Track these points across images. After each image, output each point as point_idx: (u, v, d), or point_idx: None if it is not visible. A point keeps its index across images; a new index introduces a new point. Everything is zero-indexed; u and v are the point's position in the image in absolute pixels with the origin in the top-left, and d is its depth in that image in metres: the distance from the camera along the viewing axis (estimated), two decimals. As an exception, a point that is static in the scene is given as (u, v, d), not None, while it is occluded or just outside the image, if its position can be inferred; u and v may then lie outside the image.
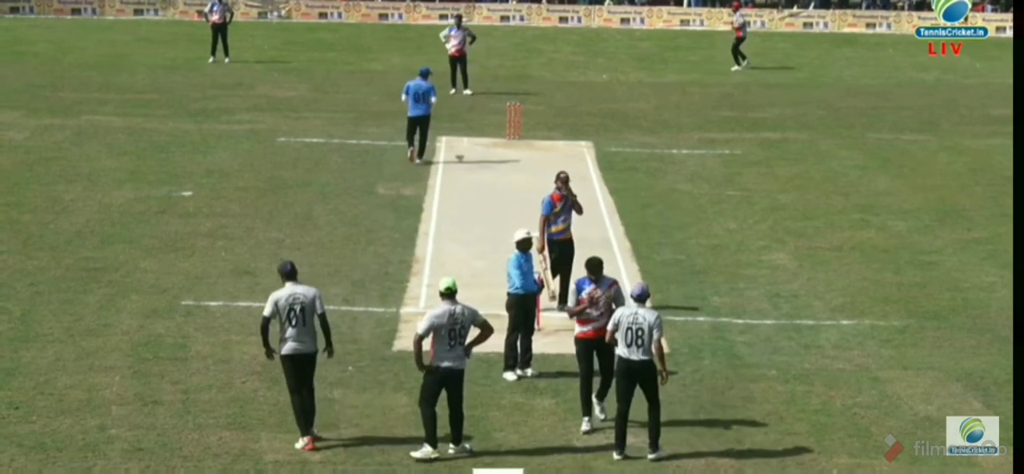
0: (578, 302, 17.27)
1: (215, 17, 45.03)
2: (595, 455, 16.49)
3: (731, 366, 19.38)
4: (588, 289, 17.23)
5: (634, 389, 16.41)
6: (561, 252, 21.40)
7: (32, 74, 41.96)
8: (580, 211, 21.80)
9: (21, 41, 49.04)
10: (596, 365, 17.41)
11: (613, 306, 17.02)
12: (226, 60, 44.69)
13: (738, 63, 46.53)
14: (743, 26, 46.63)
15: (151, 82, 41.12)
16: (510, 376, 18.74)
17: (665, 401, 18.08)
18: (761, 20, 57.62)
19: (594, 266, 17.37)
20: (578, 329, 17.33)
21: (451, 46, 40.18)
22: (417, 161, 31.23)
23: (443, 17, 56.44)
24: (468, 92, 39.82)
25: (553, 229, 21.40)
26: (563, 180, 21.71)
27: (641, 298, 16.52)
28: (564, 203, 21.51)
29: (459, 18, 42.63)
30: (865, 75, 46.06)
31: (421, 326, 16.39)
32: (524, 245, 19.07)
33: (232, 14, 46.13)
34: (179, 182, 28.95)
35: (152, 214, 26.51)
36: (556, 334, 20.32)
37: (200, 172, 29.88)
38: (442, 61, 47.04)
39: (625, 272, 23.61)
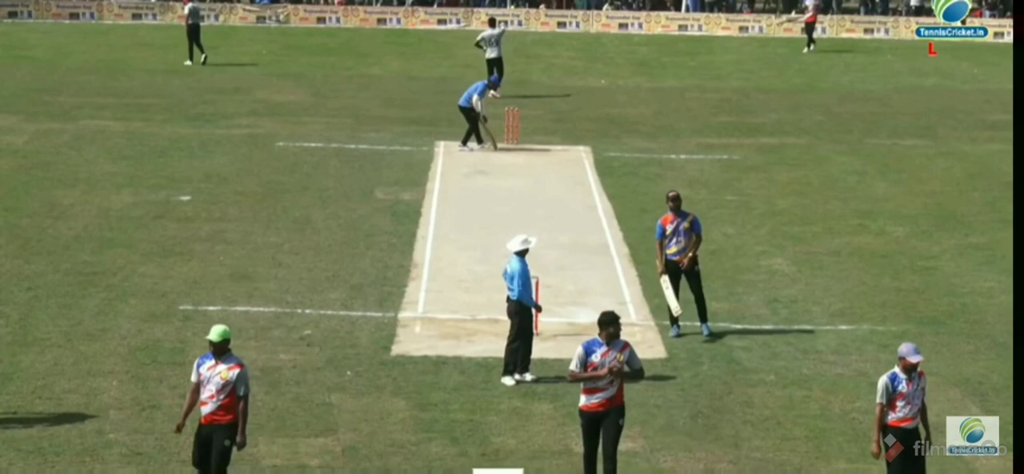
0: (587, 367, 15.30)
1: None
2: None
3: (730, 371, 19.37)
4: (598, 352, 15.28)
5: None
6: (675, 273, 20.73)
7: (30, 78, 41.95)
8: (691, 240, 20.64)
9: (19, 45, 49.00)
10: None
11: (626, 369, 15.29)
12: (187, 63, 44.86)
13: (810, 44, 51.62)
14: (817, 8, 52.79)
15: (149, 86, 41.12)
16: (508, 381, 18.74)
17: (663, 406, 18.11)
18: (759, 25, 57.63)
19: (608, 323, 15.40)
20: (583, 400, 15.36)
21: (497, 50, 40.27)
22: (460, 149, 33.30)
23: (442, 22, 56.44)
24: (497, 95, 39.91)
25: (668, 251, 20.69)
26: (674, 199, 20.76)
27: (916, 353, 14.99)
28: (676, 225, 20.66)
29: (493, 21, 42.70)
30: (863, 80, 46.05)
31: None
32: (523, 252, 19.05)
33: (192, 14, 45.84)
34: (177, 187, 28.94)
35: (150, 219, 26.50)
36: (554, 339, 20.32)
37: (198, 177, 29.87)
38: (443, 65, 47.12)
39: (624, 277, 23.63)
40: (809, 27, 52.19)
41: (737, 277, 23.67)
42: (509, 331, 18.97)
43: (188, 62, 44.97)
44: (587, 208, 28.54)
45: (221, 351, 14.76)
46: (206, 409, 14.71)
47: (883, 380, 14.90)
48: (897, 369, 14.92)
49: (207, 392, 14.71)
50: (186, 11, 46.08)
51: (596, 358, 15.25)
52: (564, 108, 39.56)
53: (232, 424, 14.69)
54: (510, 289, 18.96)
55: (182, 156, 31.90)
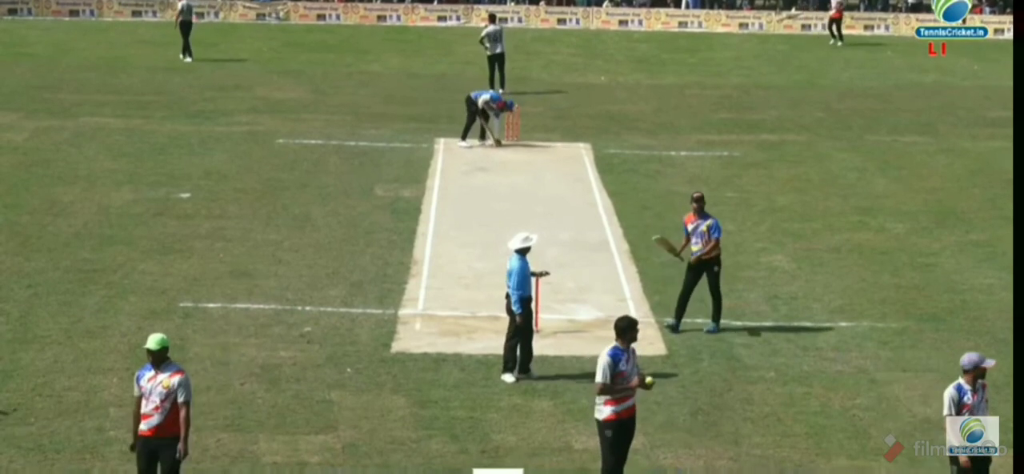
0: (616, 376, 14.91)
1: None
2: (595, 457, 16.46)
3: (730, 368, 19.37)
4: (623, 359, 14.94)
5: None
6: (697, 271, 20.83)
7: (30, 75, 41.95)
8: (708, 243, 20.67)
9: (20, 42, 49.02)
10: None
11: (638, 369, 15.13)
12: (187, 60, 44.94)
13: (838, 39, 52.67)
14: (841, 6, 53.53)
15: (149, 84, 41.12)
16: (509, 378, 18.73)
17: (663, 403, 18.11)
18: (759, 22, 57.63)
19: (629, 328, 15.13)
20: (609, 410, 14.98)
21: (500, 46, 40.27)
22: (459, 144, 33.43)
23: (441, 18, 56.44)
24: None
25: (692, 248, 20.79)
26: (697, 200, 20.86)
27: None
28: (696, 225, 20.74)
29: (493, 16, 42.75)
30: (863, 77, 46.04)
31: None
32: (523, 250, 19.03)
33: (185, 12, 45.93)
34: (177, 184, 28.94)
35: (150, 216, 26.49)
36: (554, 336, 20.32)
37: (198, 174, 29.87)
38: (443, 62, 47.12)
39: (624, 274, 23.63)
40: (834, 22, 52.89)
41: (737, 274, 23.65)
42: (508, 327, 18.96)
43: (188, 59, 44.98)
44: (587, 205, 28.54)
45: (160, 359, 14.15)
46: (151, 422, 14.13)
47: (949, 392, 14.51)
48: (962, 380, 14.63)
49: (150, 404, 14.12)
50: (179, 8, 46.04)
51: (623, 366, 14.93)
52: (564, 105, 39.56)
53: (178, 436, 14.18)
54: (509, 286, 18.96)
55: (182, 153, 31.90)
